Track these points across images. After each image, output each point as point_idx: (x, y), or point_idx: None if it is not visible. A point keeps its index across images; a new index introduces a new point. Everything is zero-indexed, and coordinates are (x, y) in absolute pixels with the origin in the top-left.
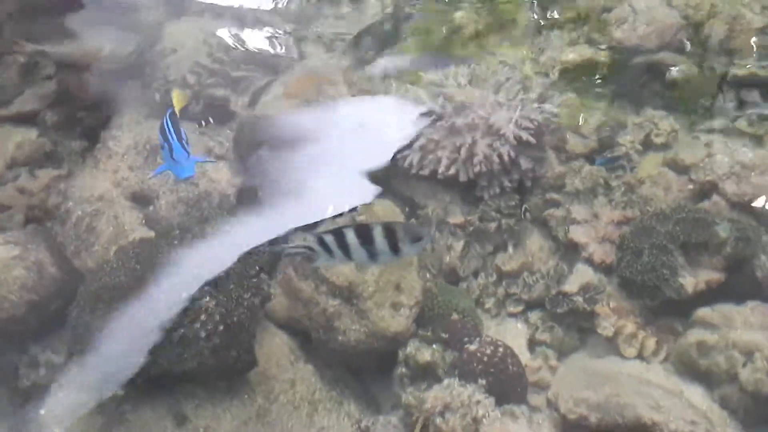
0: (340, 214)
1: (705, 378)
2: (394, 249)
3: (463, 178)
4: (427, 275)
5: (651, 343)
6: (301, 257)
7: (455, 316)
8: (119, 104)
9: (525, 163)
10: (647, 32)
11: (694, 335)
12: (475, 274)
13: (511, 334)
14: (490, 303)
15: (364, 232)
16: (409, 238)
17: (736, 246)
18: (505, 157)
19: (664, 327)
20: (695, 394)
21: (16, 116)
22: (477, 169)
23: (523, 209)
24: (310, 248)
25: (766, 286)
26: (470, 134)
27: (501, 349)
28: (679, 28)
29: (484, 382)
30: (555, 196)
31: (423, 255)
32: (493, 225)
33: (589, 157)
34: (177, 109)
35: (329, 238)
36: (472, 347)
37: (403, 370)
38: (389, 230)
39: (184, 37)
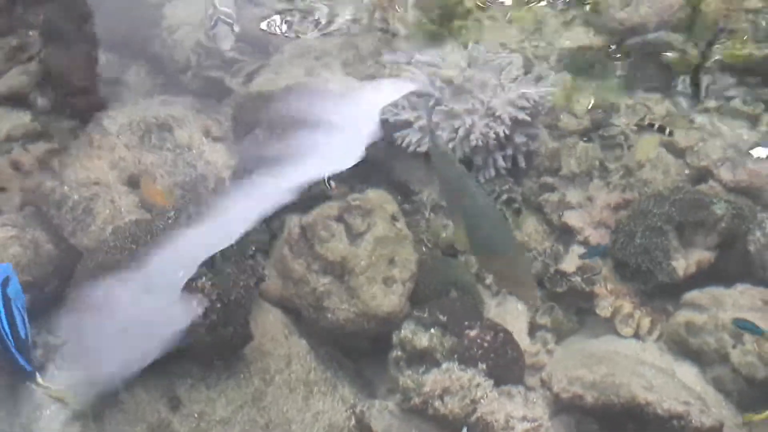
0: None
1: (697, 358)
2: None
3: (458, 154)
4: (423, 249)
5: (646, 322)
6: None
7: (454, 293)
8: (116, 84)
9: (519, 138)
10: (648, 13)
11: (683, 315)
12: None
13: (512, 315)
14: (490, 278)
15: None
16: None
17: (731, 222)
18: (501, 135)
19: (657, 308)
20: (688, 374)
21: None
22: (474, 143)
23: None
24: None
25: (758, 261)
26: (469, 117)
27: (501, 335)
28: (679, 8)
29: (484, 366)
30: (549, 179)
31: (419, 230)
32: None
33: (583, 136)
34: None
35: None
36: (473, 333)
37: (399, 353)
38: None
39: (183, 18)
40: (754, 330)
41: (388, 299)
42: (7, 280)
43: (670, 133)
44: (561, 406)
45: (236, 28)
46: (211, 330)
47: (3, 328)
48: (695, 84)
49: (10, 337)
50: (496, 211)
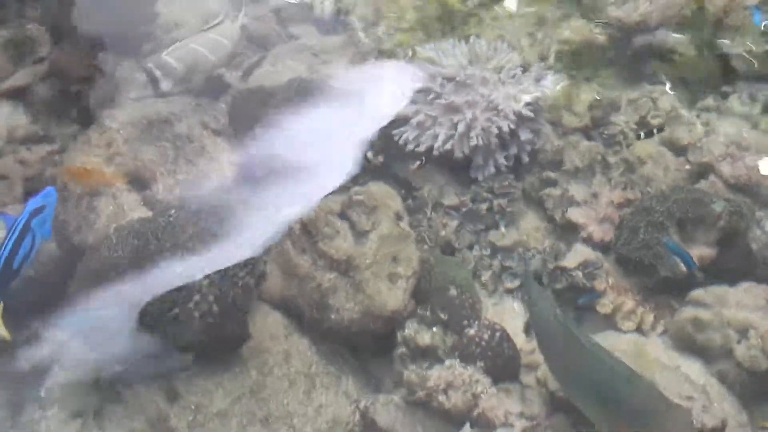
0: None
1: (702, 353)
2: None
3: (458, 153)
4: (424, 246)
5: (650, 318)
6: None
7: (453, 291)
8: (116, 81)
9: (524, 135)
10: (649, 10)
11: (690, 311)
12: (470, 247)
13: (509, 314)
14: (486, 276)
15: None
16: None
17: (730, 219)
18: (504, 129)
19: (661, 304)
20: (693, 369)
21: (7, 92)
22: (474, 142)
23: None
24: None
25: (761, 259)
26: (470, 110)
27: (498, 334)
28: (683, 6)
29: (482, 364)
30: (552, 174)
31: (419, 229)
32: (484, 206)
33: (585, 133)
34: None
35: None
36: (471, 331)
37: (403, 350)
38: None
39: (183, 13)
40: (685, 258)
41: (393, 294)
42: (41, 209)
43: (659, 129)
44: (558, 405)
45: (165, 85)
46: (208, 329)
47: (3, 250)
48: (698, 81)
49: (2, 260)
50: (628, 368)
